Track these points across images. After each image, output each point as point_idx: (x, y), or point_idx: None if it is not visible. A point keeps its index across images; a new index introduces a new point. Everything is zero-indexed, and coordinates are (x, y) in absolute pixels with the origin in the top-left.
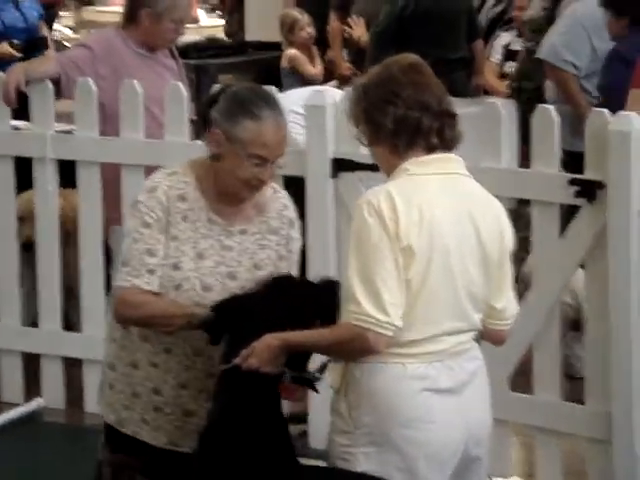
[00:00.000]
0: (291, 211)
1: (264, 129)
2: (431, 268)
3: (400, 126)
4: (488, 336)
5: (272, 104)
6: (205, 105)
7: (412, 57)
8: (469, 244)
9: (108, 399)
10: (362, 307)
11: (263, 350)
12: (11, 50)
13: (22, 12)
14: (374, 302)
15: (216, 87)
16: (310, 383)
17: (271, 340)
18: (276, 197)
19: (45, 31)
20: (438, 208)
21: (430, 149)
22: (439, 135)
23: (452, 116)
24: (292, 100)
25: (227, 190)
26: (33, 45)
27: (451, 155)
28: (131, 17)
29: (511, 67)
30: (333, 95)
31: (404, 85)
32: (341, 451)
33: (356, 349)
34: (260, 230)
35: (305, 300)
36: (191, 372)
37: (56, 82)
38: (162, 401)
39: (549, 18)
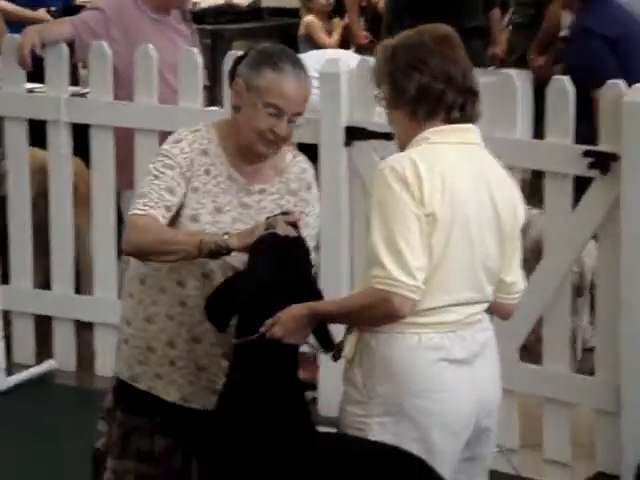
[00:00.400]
0: (310, 175)
1: (283, 79)
2: (452, 237)
3: (422, 94)
4: (496, 309)
5: (298, 63)
6: (235, 62)
7: (446, 28)
8: (487, 214)
9: (124, 355)
10: (388, 271)
11: (289, 320)
12: (48, 17)
13: None
14: (400, 265)
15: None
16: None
17: (298, 310)
18: (296, 161)
19: None
20: (458, 177)
21: (450, 122)
22: (461, 110)
23: (475, 93)
24: (309, 63)
25: (244, 143)
26: (69, 11)
27: (470, 125)
28: None
29: None
30: (348, 62)
31: (433, 54)
32: (355, 421)
33: (381, 314)
34: (279, 191)
35: (298, 254)
36: (204, 325)
37: (70, 45)
38: (176, 354)
39: None
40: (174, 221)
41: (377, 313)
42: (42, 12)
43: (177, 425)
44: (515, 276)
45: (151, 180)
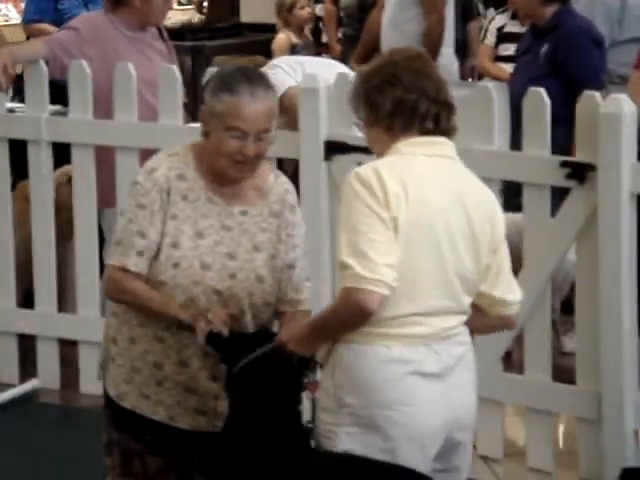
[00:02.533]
0: (293, 196)
1: (239, 101)
2: (417, 245)
3: (397, 107)
4: (496, 323)
5: (254, 80)
6: (203, 87)
7: (416, 49)
8: (459, 226)
9: (110, 373)
10: (352, 269)
11: (297, 335)
12: None
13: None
14: (363, 262)
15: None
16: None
17: (301, 328)
18: (278, 182)
19: None
20: (425, 187)
21: (425, 133)
22: (435, 121)
23: (450, 106)
24: (320, 73)
25: (217, 169)
26: None
27: (443, 139)
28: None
29: (506, 49)
30: (327, 78)
31: (405, 70)
32: (325, 429)
33: (351, 311)
34: (261, 213)
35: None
36: (191, 349)
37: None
38: (163, 376)
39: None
40: (158, 250)
41: (347, 311)
42: None
43: (167, 444)
44: (503, 290)
45: (125, 224)
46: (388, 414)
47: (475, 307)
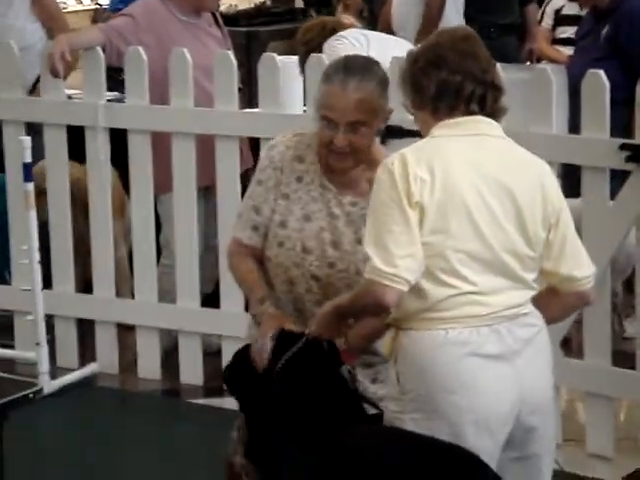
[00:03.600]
0: None
1: (330, 91)
2: (451, 225)
3: (442, 89)
4: (572, 300)
5: (352, 70)
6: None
7: (465, 29)
8: (499, 203)
9: None
10: (372, 261)
11: (320, 319)
12: None
13: None
14: (382, 255)
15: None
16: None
17: (324, 309)
18: None
19: None
20: (455, 167)
21: (470, 115)
22: (480, 102)
23: (497, 88)
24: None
25: (319, 156)
26: None
27: (480, 117)
28: None
29: (563, 32)
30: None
31: (451, 51)
32: (392, 417)
33: (368, 303)
34: None
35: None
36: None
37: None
38: None
39: None
40: (269, 225)
41: (365, 302)
42: None
43: None
44: (570, 265)
45: (246, 199)
46: (449, 398)
47: (549, 288)
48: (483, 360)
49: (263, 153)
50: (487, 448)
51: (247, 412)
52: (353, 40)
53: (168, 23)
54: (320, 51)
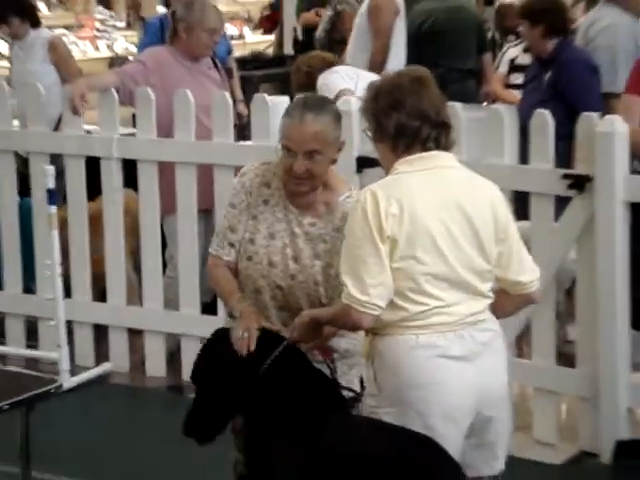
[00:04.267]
0: None
1: (289, 123)
2: (418, 252)
3: (401, 131)
4: (519, 301)
5: (309, 106)
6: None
7: (421, 70)
8: (459, 227)
9: None
10: (348, 288)
11: (300, 326)
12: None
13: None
14: (356, 285)
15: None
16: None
17: (302, 318)
18: (346, 201)
19: (232, 63)
20: (421, 201)
21: (426, 151)
22: (435, 141)
23: (448, 126)
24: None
25: (283, 182)
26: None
27: (434, 152)
28: (175, 32)
29: (517, 78)
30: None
31: (409, 96)
32: (369, 411)
33: (347, 323)
34: (326, 226)
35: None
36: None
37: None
38: None
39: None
40: (241, 243)
41: (346, 322)
42: None
43: None
44: (516, 272)
45: (222, 220)
46: (420, 394)
47: (502, 290)
48: (449, 361)
49: (236, 180)
50: (453, 436)
51: (199, 384)
52: (344, 74)
53: (173, 67)
54: (318, 74)
